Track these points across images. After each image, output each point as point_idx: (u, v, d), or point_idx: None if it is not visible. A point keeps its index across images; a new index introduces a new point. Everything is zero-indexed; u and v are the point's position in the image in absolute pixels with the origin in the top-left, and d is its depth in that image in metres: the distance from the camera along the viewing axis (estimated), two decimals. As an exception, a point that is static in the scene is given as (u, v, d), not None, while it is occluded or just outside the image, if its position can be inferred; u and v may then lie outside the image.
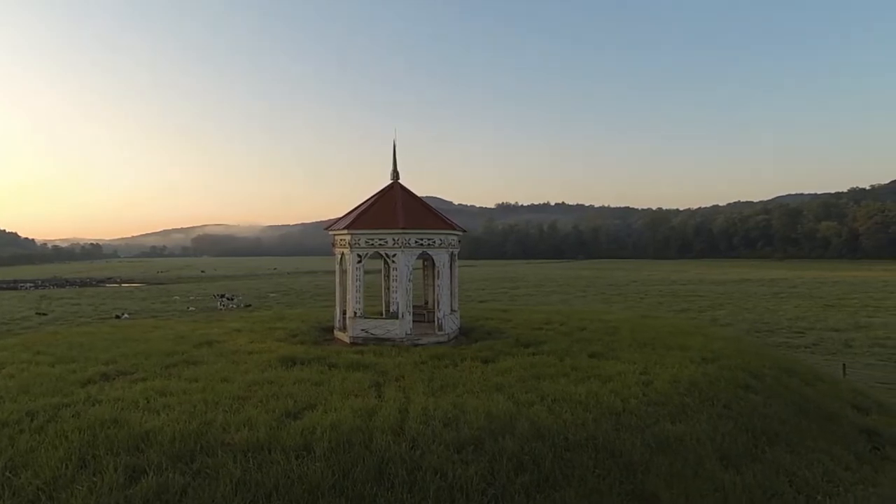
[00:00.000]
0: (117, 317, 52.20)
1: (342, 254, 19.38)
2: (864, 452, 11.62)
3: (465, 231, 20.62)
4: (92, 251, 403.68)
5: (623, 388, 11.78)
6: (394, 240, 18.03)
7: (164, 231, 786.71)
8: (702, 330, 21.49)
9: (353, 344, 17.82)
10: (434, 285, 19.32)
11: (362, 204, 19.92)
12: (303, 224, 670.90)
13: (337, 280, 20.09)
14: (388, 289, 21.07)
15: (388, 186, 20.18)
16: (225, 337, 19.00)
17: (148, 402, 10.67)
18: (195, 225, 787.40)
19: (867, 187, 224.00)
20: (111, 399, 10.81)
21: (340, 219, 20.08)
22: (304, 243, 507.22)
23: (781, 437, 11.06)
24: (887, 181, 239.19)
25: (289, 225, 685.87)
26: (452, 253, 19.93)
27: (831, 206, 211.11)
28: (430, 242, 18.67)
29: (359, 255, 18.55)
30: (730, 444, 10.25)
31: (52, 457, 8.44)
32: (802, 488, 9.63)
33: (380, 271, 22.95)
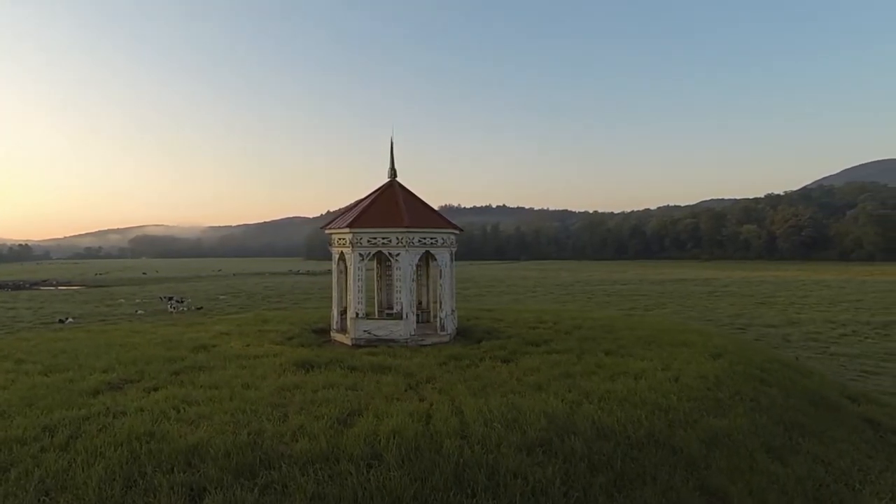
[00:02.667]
0: (60, 321, 48.05)
1: (341, 253, 18.51)
2: (874, 440, 12.09)
3: (462, 231, 20.22)
4: (21, 252, 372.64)
5: (656, 384, 11.73)
6: (398, 239, 17.37)
7: (100, 231, 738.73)
8: (690, 326, 22.00)
9: (355, 346, 16.97)
10: (437, 285, 18.73)
11: (361, 202, 19.11)
12: (245, 225, 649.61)
13: (334, 280, 19.20)
14: (382, 289, 20.39)
15: (386, 185, 19.46)
16: (217, 340, 17.70)
17: (178, 412, 9.61)
18: (133, 225, 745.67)
19: (781, 193, 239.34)
20: (134, 410, 9.67)
21: (339, 217, 19.24)
22: (246, 244, 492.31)
23: (808, 429, 11.32)
24: (798, 187, 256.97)
25: (230, 226, 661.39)
26: (452, 252, 19.48)
27: (751, 210, 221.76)
28: (433, 241, 18.12)
29: (360, 255, 17.74)
30: (770, 437, 10.37)
31: (91, 476, 7.38)
32: (839, 477, 9.85)
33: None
